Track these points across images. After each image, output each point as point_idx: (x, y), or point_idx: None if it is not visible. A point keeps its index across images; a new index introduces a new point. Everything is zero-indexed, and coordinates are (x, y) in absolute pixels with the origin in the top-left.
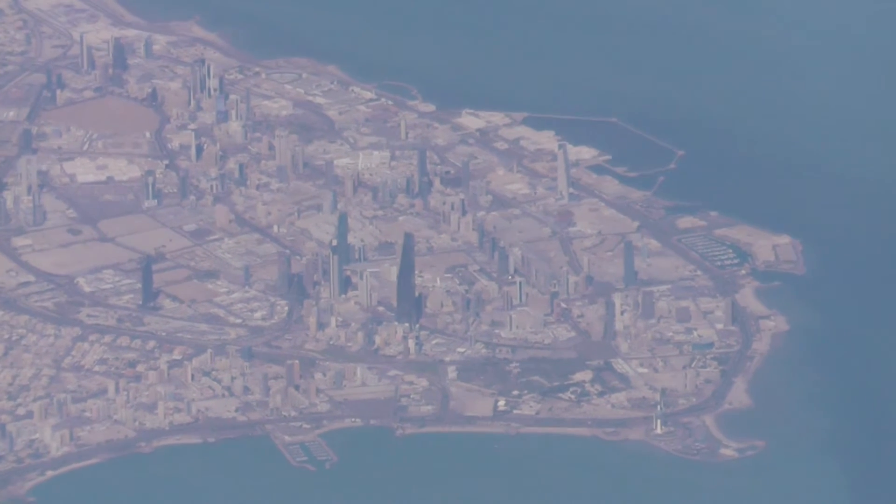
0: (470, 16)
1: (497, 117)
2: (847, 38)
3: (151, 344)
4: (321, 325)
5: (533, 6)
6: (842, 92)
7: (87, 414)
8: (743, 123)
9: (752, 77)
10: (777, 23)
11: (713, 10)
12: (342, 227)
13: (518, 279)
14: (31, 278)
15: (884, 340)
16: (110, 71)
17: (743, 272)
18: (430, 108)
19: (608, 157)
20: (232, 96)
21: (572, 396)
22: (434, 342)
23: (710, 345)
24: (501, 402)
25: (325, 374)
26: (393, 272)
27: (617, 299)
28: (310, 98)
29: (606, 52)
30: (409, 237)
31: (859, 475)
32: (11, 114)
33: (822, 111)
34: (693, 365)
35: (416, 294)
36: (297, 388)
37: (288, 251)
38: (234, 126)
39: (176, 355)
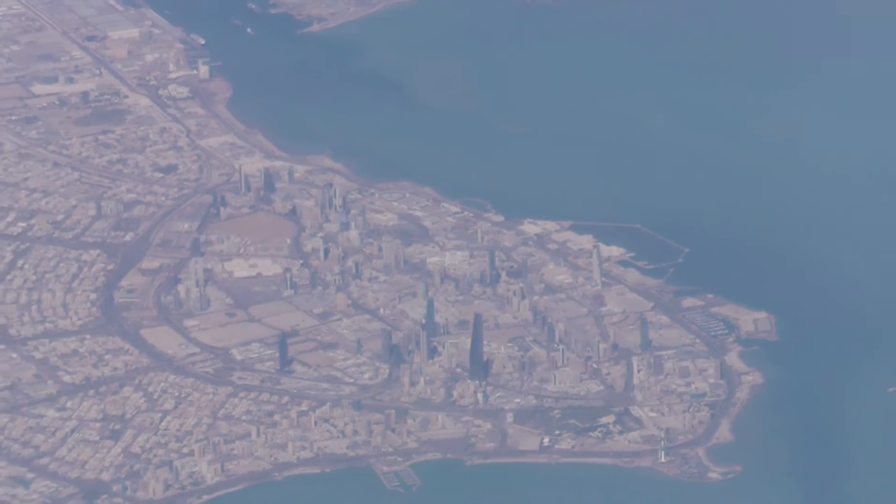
0: (528, 146)
1: (550, 225)
2: (820, 158)
3: (286, 399)
4: (413, 383)
5: (576, 139)
6: (812, 202)
7: (235, 452)
8: (732, 228)
9: (741, 192)
10: (764, 148)
11: (714, 141)
12: (430, 309)
13: (561, 347)
14: (197, 350)
15: (836, 391)
16: (261, 193)
17: (730, 340)
18: (500, 218)
19: (632, 254)
20: (352, 211)
21: (599, 434)
22: (497, 395)
23: (704, 395)
24: (546, 440)
25: (414, 420)
26: (468, 343)
27: (635, 361)
28: (410, 212)
29: (632, 173)
30: (478, 316)
31: (814, 495)
32: (186, 226)
33: (794, 217)
34: (690, 410)
35: (485, 359)
36: (393, 430)
37: (390, 328)
38: (353, 234)
39: (303, 407)
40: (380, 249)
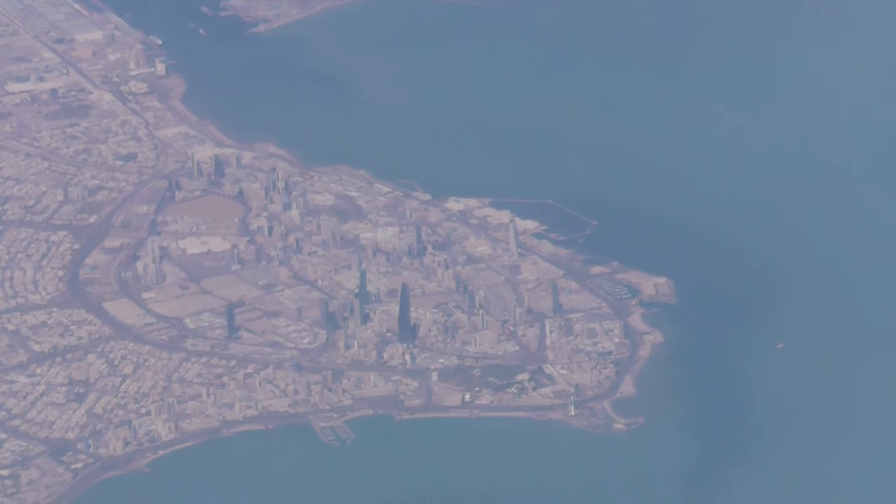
0: (453, 133)
1: (472, 202)
2: (715, 140)
3: (233, 363)
4: (348, 346)
5: (497, 126)
6: (707, 178)
7: (188, 411)
8: (635, 203)
9: (643, 171)
10: (664, 132)
11: (620, 127)
12: (363, 280)
13: (481, 312)
14: (153, 320)
15: (730, 348)
16: (212, 177)
17: (633, 303)
18: (427, 197)
19: (545, 227)
20: (294, 193)
21: (515, 391)
22: (423, 356)
23: (609, 353)
24: (467, 396)
25: (349, 380)
26: (397, 309)
27: (547, 324)
28: (346, 192)
29: (546, 155)
30: (405, 286)
31: (706, 441)
32: (144, 208)
33: (691, 192)
34: (597, 367)
35: (412, 323)
36: (330, 390)
37: (327, 297)
38: (294, 213)
39: (249, 370)
40: (318, 227)
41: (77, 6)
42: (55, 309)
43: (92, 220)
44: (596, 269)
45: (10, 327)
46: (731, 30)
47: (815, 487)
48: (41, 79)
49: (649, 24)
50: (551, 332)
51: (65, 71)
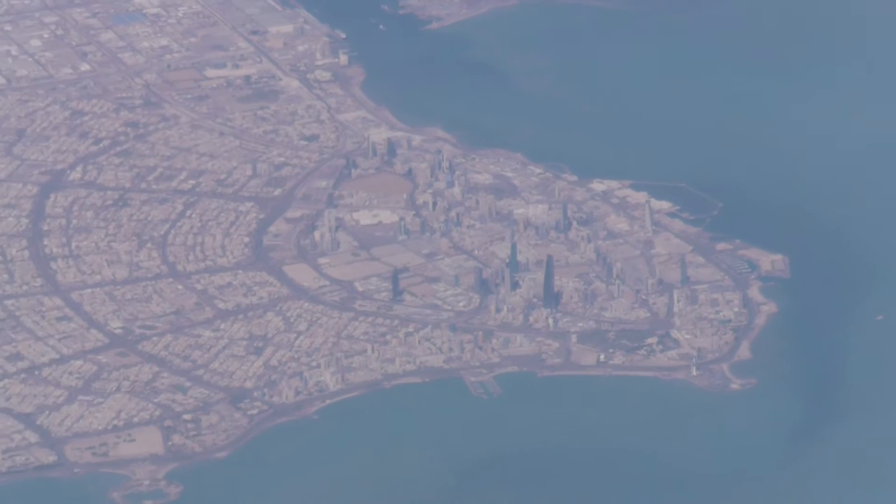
0: (600, 122)
1: (613, 184)
2: (830, 133)
3: (396, 322)
4: (498, 310)
5: (638, 117)
6: (823, 168)
7: (353, 365)
8: (757, 188)
9: (766, 159)
10: (786, 126)
11: (746, 120)
12: (514, 251)
13: (617, 281)
14: (327, 283)
15: (835, 318)
16: (385, 157)
17: (752, 277)
18: (574, 178)
19: (678, 207)
20: (456, 172)
21: (644, 352)
22: (565, 320)
23: (729, 321)
24: (602, 356)
25: (497, 340)
26: (542, 278)
27: (675, 293)
28: (503, 173)
29: (680, 143)
30: (550, 257)
31: (814, 401)
32: (323, 183)
33: (807, 180)
34: (718, 333)
35: (556, 291)
36: (480, 348)
37: (481, 265)
38: (457, 190)
39: (410, 329)
40: (477, 203)
41: (271, 2)
42: (240, 271)
43: (276, 193)
44: (720, 246)
45: (199, 287)
46: (851, 31)
47: None
48: (236, 66)
49: (774, 28)
50: (678, 301)
51: (258, 59)
